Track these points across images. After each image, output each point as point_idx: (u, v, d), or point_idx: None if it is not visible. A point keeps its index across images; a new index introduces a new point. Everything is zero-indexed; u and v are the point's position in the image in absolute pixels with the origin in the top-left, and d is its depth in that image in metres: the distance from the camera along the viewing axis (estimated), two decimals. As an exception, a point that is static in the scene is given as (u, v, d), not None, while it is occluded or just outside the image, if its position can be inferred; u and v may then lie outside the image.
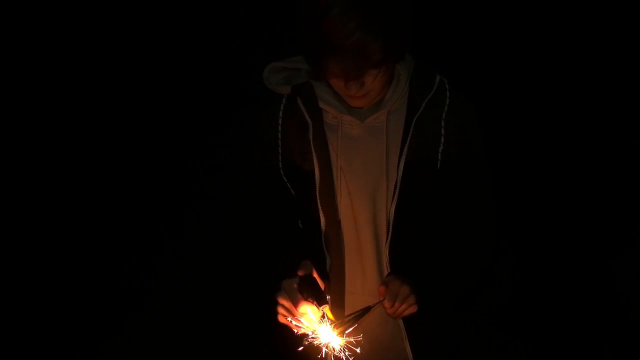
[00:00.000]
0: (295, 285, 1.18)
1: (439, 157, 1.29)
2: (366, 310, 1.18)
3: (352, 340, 1.16)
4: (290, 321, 1.18)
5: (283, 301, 1.18)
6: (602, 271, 2.19)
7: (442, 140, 1.28)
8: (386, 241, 1.29)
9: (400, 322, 1.33)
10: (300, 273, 1.17)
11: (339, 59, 1.09)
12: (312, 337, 1.16)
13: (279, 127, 1.33)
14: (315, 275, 1.19)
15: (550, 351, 2.09)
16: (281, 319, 1.20)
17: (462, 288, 1.33)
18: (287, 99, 1.34)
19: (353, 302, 1.33)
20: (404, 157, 1.26)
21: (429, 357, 1.38)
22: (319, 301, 1.15)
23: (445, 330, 1.41)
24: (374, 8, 1.05)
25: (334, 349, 1.15)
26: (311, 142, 1.29)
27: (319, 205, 1.30)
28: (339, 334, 1.15)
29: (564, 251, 2.35)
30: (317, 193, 1.30)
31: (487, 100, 1.98)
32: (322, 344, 1.15)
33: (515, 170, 2.43)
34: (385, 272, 1.31)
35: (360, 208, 1.31)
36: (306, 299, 1.14)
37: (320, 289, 1.17)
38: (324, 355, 1.17)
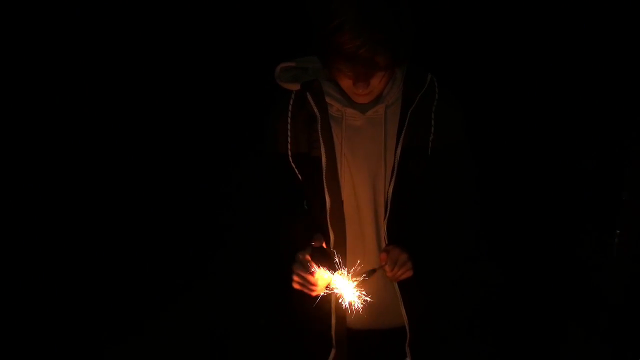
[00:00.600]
0: (308, 256, 1.38)
1: (430, 145, 1.49)
2: (372, 271, 1.40)
3: (362, 293, 1.37)
4: (305, 287, 1.38)
5: (298, 270, 1.38)
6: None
7: (432, 130, 1.49)
8: (384, 218, 1.49)
9: (397, 289, 1.53)
10: (314, 243, 1.37)
11: (350, 66, 1.28)
12: (329, 290, 1.37)
13: (289, 119, 1.52)
14: (325, 246, 1.39)
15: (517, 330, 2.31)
16: (296, 286, 1.40)
17: (449, 257, 1.54)
18: (295, 94, 1.52)
19: (354, 272, 1.53)
20: (400, 144, 1.47)
21: (421, 322, 1.57)
22: (331, 269, 1.36)
23: (437, 299, 1.60)
24: (382, 22, 1.23)
25: (347, 300, 1.37)
26: (319, 132, 1.48)
27: (325, 188, 1.49)
28: (353, 286, 1.36)
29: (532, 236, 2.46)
30: (324, 177, 1.49)
31: (477, 100, 2.13)
32: (338, 294, 1.37)
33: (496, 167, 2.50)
34: (384, 245, 1.50)
35: (362, 189, 1.50)
36: (320, 265, 1.35)
37: (332, 258, 1.37)
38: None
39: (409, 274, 1.43)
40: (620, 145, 1.61)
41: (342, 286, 1.36)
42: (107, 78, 2.90)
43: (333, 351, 1.57)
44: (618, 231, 1.56)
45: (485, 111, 2.31)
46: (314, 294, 1.39)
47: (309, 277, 1.37)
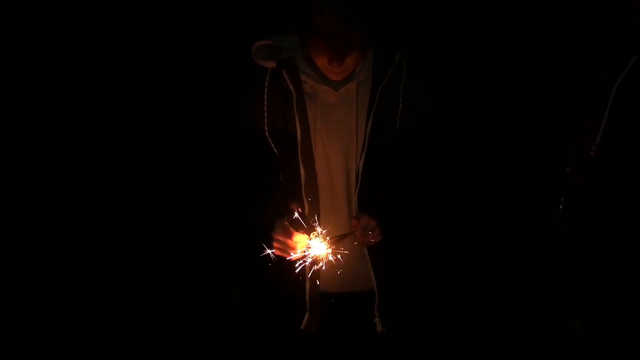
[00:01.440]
0: (287, 222, 1.47)
1: (398, 120, 1.60)
2: (344, 236, 1.53)
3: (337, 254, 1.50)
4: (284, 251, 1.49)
5: (278, 236, 1.48)
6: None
7: (400, 107, 1.60)
8: (356, 188, 1.59)
9: (367, 254, 1.64)
10: (292, 208, 1.46)
11: (327, 45, 1.37)
12: (306, 250, 1.48)
13: (265, 95, 1.58)
14: (301, 212, 1.49)
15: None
16: (277, 252, 1.50)
17: (414, 222, 1.67)
18: (271, 71, 1.58)
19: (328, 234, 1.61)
20: (370, 120, 1.56)
21: (389, 285, 1.69)
22: (307, 233, 1.47)
23: (404, 263, 1.73)
24: (358, 4, 1.32)
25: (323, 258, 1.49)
26: (294, 108, 1.56)
27: (300, 161, 1.58)
28: (328, 246, 1.49)
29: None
30: (299, 150, 1.57)
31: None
32: (313, 256, 1.48)
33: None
34: (355, 213, 1.61)
35: (335, 162, 1.60)
36: (297, 230, 1.46)
37: (307, 223, 1.48)
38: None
39: (378, 239, 1.55)
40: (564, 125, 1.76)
41: (317, 247, 1.48)
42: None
43: (307, 315, 1.67)
44: (562, 198, 1.73)
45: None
46: (293, 257, 1.49)
47: (289, 242, 1.47)
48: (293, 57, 1.56)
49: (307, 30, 1.37)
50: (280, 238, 1.49)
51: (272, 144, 1.61)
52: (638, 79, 1.56)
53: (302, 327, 1.67)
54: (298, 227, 1.48)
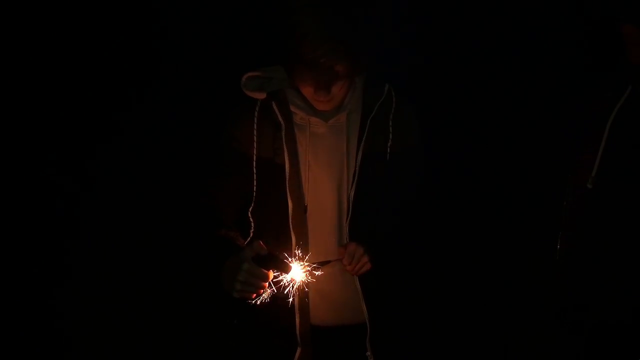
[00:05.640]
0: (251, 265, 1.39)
1: (388, 150, 1.60)
2: (326, 262, 1.50)
3: (314, 277, 1.47)
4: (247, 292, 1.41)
5: (251, 279, 1.38)
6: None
7: (390, 136, 1.61)
8: (347, 219, 1.58)
9: (358, 286, 1.60)
10: (256, 249, 1.41)
11: (312, 74, 1.39)
12: (278, 276, 1.42)
13: (255, 125, 1.59)
14: (264, 247, 1.42)
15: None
16: (237, 294, 1.40)
17: (405, 251, 1.64)
18: (261, 103, 1.60)
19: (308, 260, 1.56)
20: (361, 150, 1.57)
21: (381, 317, 1.64)
22: (282, 268, 1.43)
23: (396, 293, 1.68)
24: (341, 34, 1.34)
25: (300, 284, 1.45)
26: (283, 139, 1.57)
27: (288, 193, 1.57)
28: (305, 273, 1.45)
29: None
30: (287, 183, 1.57)
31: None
32: (289, 281, 1.43)
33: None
34: (345, 242, 1.58)
35: (325, 193, 1.59)
36: (271, 270, 1.40)
37: (278, 257, 1.43)
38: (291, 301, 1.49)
39: (367, 267, 1.52)
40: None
41: (295, 271, 1.44)
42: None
43: (299, 350, 1.63)
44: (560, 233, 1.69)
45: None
46: (257, 294, 1.41)
47: (263, 284, 1.40)
48: (283, 89, 1.58)
49: (292, 59, 1.40)
50: (254, 282, 1.39)
51: (254, 176, 1.59)
52: (633, 110, 1.55)
53: None
54: (272, 264, 1.42)
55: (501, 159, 2.23)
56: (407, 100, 1.65)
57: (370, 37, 1.41)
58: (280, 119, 1.57)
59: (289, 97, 1.59)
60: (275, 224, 1.60)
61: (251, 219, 1.64)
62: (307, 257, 1.48)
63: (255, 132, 1.59)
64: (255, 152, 1.59)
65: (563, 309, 1.68)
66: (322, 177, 1.59)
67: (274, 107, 1.58)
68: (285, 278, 1.44)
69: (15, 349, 2.45)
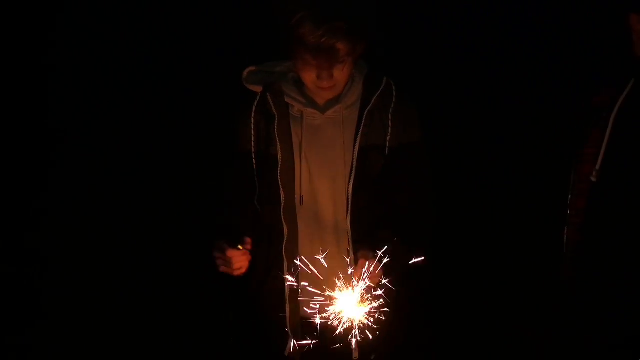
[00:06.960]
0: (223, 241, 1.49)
1: (387, 145, 1.57)
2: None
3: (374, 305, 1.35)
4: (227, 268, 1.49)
5: (216, 253, 1.50)
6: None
7: (389, 131, 1.58)
8: (347, 214, 1.55)
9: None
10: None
11: (314, 56, 1.38)
12: (335, 314, 1.34)
13: (252, 119, 1.60)
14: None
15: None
16: (221, 269, 1.50)
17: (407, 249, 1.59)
18: (260, 95, 1.61)
19: (315, 263, 1.51)
20: (357, 144, 1.55)
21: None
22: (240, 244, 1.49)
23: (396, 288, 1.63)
24: (340, 11, 1.35)
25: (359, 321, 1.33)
26: (275, 130, 1.56)
27: (280, 184, 1.56)
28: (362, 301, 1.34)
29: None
30: (279, 173, 1.56)
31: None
32: (347, 320, 1.33)
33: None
34: (345, 240, 1.56)
35: (321, 186, 1.58)
36: (230, 245, 1.48)
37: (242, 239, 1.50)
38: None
39: (379, 279, 1.42)
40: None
41: (349, 309, 1.33)
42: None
43: (292, 341, 1.59)
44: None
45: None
46: (235, 273, 1.50)
47: (224, 256, 1.47)
48: (278, 81, 1.58)
49: (292, 43, 1.39)
50: (217, 255, 1.49)
51: (254, 167, 1.61)
52: (636, 103, 1.51)
53: (285, 354, 1.61)
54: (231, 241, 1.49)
55: (505, 154, 2.21)
56: (409, 97, 1.62)
57: (369, 13, 1.41)
58: (274, 109, 1.57)
59: (286, 89, 1.58)
60: (270, 214, 1.61)
61: (258, 207, 1.66)
62: (355, 286, 1.34)
63: (252, 124, 1.60)
64: (253, 144, 1.60)
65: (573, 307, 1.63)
66: (318, 169, 1.58)
67: (268, 98, 1.58)
68: (334, 310, 1.33)
69: (15, 349, 2.46)
